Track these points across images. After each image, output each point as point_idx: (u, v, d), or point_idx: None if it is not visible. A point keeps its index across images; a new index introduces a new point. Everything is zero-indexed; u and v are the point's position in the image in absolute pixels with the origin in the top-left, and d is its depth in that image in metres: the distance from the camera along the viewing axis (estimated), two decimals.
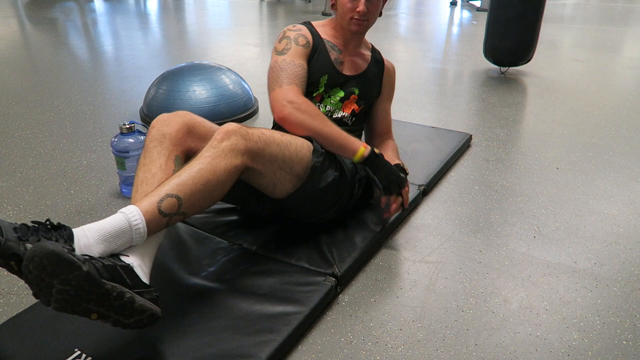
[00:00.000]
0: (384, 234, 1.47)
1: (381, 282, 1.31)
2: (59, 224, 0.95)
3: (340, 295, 1.26)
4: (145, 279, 0.98)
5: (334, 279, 1.23)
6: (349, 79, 1.52)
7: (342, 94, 1.53)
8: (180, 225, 1.45)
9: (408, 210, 1.61)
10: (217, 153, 1.07)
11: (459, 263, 1.39)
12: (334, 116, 1.52)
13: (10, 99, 2.85)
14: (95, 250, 0.93)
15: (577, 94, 3.02)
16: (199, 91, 2.41)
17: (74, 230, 0.95)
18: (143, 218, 0.97)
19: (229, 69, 2.65)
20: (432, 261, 1.40)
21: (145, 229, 0.97)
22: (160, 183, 1.06)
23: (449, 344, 1.11)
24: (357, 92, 1.54)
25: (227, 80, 2.54)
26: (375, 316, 1.19)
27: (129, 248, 0.99)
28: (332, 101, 1.52)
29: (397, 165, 1.46)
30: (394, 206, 1.40)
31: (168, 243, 1.36)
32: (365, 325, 1.16)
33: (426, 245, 1.48)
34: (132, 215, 0.97)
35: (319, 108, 1.51)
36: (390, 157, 1.50)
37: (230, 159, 1.08)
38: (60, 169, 1.96)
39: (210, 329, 1.06)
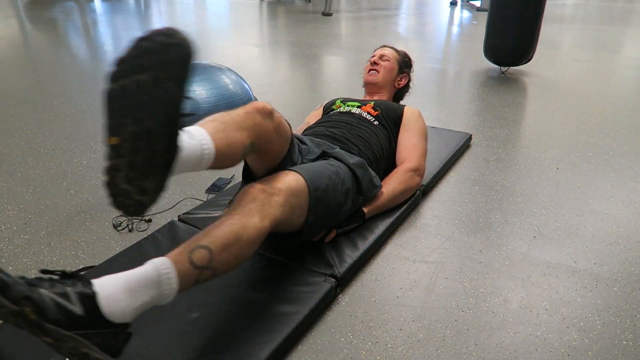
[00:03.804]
0: (384, 235, 1.46)
1: (381, 282, 1.31)
2: (69, 272, 0.83)
3: (340, 295, 1.26)
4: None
5: (334, 279, 1.23)
6: (365, 100, 1.83)
7: (358, 103, 1.79)
8: (180, 225, 1.45)
9: (408, 210, 1.61)
10: (247, 212, 1.03)
11: (459, 263, 1.39)
12: (353, 111, 1.74)
13: (10, 99, 2.85)
14: (121, 300, 0.81)
15: (577, 94, 3.02)
16: (199, 91, 2.41)
17: (93, 280, 0.83)
18: (173, 268, 0.88)
19: (229, 69, 2.65)
20: (432, 261, 1.40)
21: (176, 280, 0.88)
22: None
23: (449, 344, 1.11)
24: (372, 103, 1.78)
25: (227, 80, 2.54)
26: (375, 316, 1.19)
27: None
28: (349, 105, 1.79)
29: (358, 210, 1.46)
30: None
31: (168, 242, 1.36)
32: (365, 325, 1.16)
33: (426, 245, 1.48)
34: (161, 264, 0.88)
35: (340, 108, 1.79)
36: (384, 187, 1.54)
37: (259, 221, 1.04)
38: (60, 169, 1.96)
39: (210, 329, 1.06)
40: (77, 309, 0.77)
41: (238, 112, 1.10)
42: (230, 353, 1.00)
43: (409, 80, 2.01)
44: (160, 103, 0.79)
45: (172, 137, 0.83)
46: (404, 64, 1.99)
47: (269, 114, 1.14)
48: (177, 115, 0.81)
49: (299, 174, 1.20)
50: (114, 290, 0.81)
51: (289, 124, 1.27)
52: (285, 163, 1.27)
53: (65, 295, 0.77)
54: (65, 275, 0.82)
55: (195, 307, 1.13)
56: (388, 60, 1.94)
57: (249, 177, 1.31)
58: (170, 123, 0.81)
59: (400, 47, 2.11)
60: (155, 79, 0.77)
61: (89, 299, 0.78)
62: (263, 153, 1.20)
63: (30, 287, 0.75)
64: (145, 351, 1.00)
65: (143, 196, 0.82)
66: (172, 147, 0.83)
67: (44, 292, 0.76)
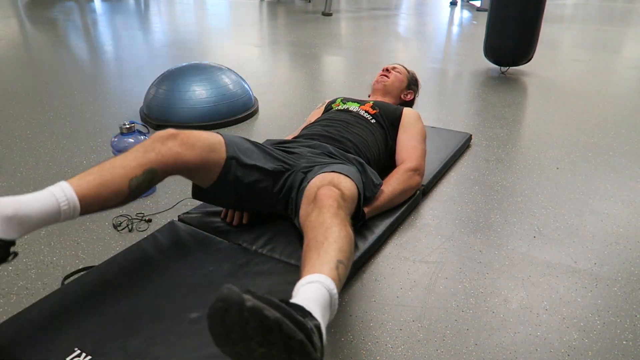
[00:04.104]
0: (384, 235, 1.46)
1: (381, 282, 1.31)
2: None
3: (340, 295, 1.25)
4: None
5: None
6: (365, 100, 1.85)
7: (358, 103, 1.82)
8: (180, 225, 1.45)
9: (408, 210, 1.61)
10: (344, 217, 1.08)
11: (459, 263, 1.39)
12: (350, 109, 1.76)
13: (10, 99, 2.85)
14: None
15: (577, 94, 3.02)
16: (199, 91, 2.41)
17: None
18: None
19: (229, 69, 2.65)
20: (432, 261, 1.40)
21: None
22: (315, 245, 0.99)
23: (449, 344, 1.11)
24: (372, 102, 1.81)
25: (227, 80, 2.54)
26: (375, 316, 1.19)
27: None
28: (349, 103, 1.83)
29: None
30: None
31: (168, 242, 1.36)
32: (365, 325, 1.16)
33: (426, 245, 1.48)
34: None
35: (339, 107, 1.83)
36: (383, 186, 1.54)
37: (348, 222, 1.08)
38: (60, 169, 1.96)
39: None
40: None
41: (128, 152, 1.14)
42: None
43: (414, 98, 2.08)
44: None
45: None
46: (413, 81, 2.06)
47: (167, 136, 1.16)
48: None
49: (354, 182, 1.28)
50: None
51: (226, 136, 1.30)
52: (228, 167, 1.27)
53: None
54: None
55: (195, 307, 1.13)
56: (399, 73, 2.01)
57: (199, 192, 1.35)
58: None
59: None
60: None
61: None
62: (180, 169, 1.20)
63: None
64: (146, 351, 1.00)
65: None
66: None
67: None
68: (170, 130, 1.18)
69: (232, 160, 1.28)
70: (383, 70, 2.02)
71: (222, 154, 1.27)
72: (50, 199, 0.97)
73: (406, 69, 2.07)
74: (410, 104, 2.05)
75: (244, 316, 0.73)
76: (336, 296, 0.88)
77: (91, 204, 1.04)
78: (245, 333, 0.73)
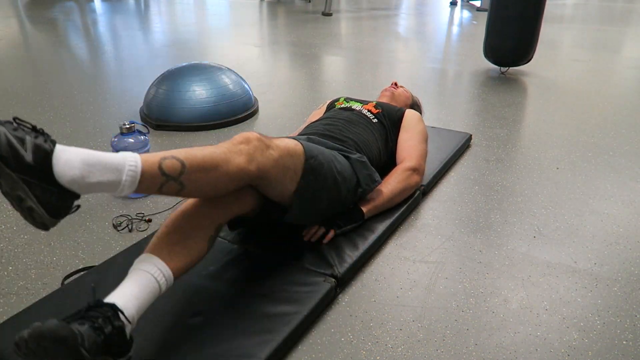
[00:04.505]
0: (384, 235, 1.46)
1: (381, 282, 1.31)
2: (42, 130, 0.86)
3: (340, 295, 1.26)
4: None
5: (334, 279, 1.23)
6: (369, 100, 1.87)
7: (361, 103, 1.84)
8: None
9: (408, 210, 1.61)
10: (235, 150, 1.04)
11: (459, 263, 1.39)
12: (353, 108, 1.77)
13: (10, 99, 2.85)
14: (76, 168, 0.84)
15: (577, 94, 3.02)
16: (199, 91, 2.41)
17: (59, 145, 0.85)
18: (140, 164, 0.90)
19: (229, 69, 2.65)
20: (432, 261, 1.40)
21: (138, 175, 0.90)
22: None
23: (449, 344, 1.11)
24: (375, 102, 1.82)
25: (227, 80, 2.54)
26: (375, 316, 1.19)
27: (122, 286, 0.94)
28: (352, 102, 1.84)
29: (357, 210, 1.46)
30: (310, 232, 1.40)
31: None
32: (365, 325, 1.16)
33: (426, 245, 1.48)
34: (130, 157, 0.90)
35: (342, 105, 1.84)
36: (382, 185, 1.54)
37: (246, 162, 1.05)
38: None
39: (210, 329, 1.06)
40: (27, 155, 0.80)
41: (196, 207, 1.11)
42: (230, 353, 1.00)
43: None
44: None
45: None
46: (416, 104, 2.09)
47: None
48: None
49: (298, 140, 1.22)
50: (72, 157, 0.84)
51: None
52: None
53: (21, 140, 0.80)
54: (35, 129, 0.84)
55: (195, 307, 1.13)
56: (406, 91, 2.07)
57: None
58: None
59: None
60: None
61: (43, 153, 0.82)
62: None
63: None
64: (145, 351, 1.00)
65: None
66: None
67: (2, 129, 0.79)
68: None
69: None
70: (392, 84, 2.07)
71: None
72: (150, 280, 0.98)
73: (411, 93, 2.13)
74: None
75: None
76: (132, 167, 0.89)
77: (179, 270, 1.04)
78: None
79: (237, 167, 1.03)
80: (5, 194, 0.83)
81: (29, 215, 0.83)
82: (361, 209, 1.46)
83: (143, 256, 1.01)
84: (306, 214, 1.32)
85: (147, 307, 0.95)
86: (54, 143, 0.84)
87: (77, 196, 0.87)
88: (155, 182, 0.93)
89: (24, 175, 0.80)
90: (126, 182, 0.89)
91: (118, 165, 0.88)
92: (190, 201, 1.11)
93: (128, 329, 0.90)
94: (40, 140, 0.82)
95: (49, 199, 0.83)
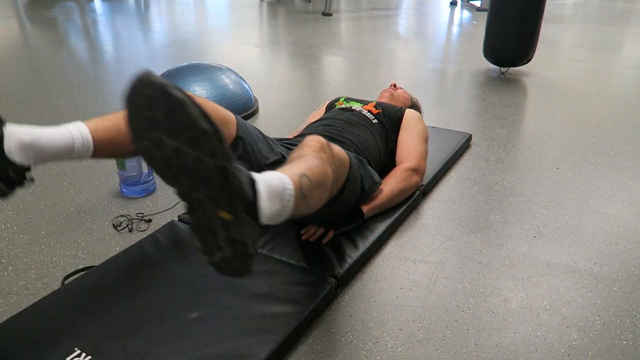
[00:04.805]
0: (384, 235, 1.46)
1: (381, 282, 1.31)
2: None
3: (340, 295, 1.26)
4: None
5: (334, 279, 1.23)
6: (369, 100, 1.86)
7: (361, 103, 1.83)
8: (180, 225, 1.45)
9: (408, 210, 1.61)
10: (322, 157, 1.05)
11: (459, 263, 1.39)
12: (353, 108, 1.76)
13: (10, 99, 2.85)
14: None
15: (577, 94, 3.02)
16: (199, 91, 2.41)
17: (255, 176, 0.85)
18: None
19: (229, 69, 2.65)
20: (432, 261, 1.40)
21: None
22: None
23: (449, 344, 1.11)
24: (375, 102, 1.82)
25: (227, 80, 2.54)
26: (375, 316, 1.19)
27: None
28: (352, 102, 1.84)
29: (357, 210, 1.46)
30: (310, 232, 1.39)
31: (168, 242, 1.36)
32: (365, 325, 1.16)
33: (426, 245, 1.48)
34: (278, 182, 0.89)
35: (342, 105, 1.83)
36: (382, 185, 1.54)
37: (330, 172, 1.07)
38: (60, 169, 1.96)
39: (210, 329, 1.06)
40: None
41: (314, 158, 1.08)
42: (230, 353, 1.00)
43: None
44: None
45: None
46: (415, 106, 2.08)
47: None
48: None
49: (345, 148, 1.28)
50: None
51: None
52: (235, 146, 1.26)
53: None
54: None
55: (195, 307, 1.13)
56: (405, 93, 2.07)
57: None
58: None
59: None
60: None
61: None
62: None
63: None
64: (146, 351, 1.00)
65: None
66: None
67: None
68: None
69: (240, 140, 1.27)
70: (391, 86, 2.08)
71: (233, 131, 1.26)
72: (66, 135, 1.01)
73: (410, 95, 2.13)
74: None
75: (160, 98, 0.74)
76: (290, 192, 0.88)
77: (103, 149, 1.07)
78: (156, 120, 0.75)
79: (330, 178, 1.06)
80: None
81: None
82: (361, 209, 1.46)
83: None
84: (325, 215, 1.35)
85: (53, 155, 1.00)
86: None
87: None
88: (299, 206, 0.93)
89: None
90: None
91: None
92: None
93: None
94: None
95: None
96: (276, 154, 1.37)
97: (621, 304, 1.23)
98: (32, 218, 1.61)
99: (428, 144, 1.79)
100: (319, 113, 1.94)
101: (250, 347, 1.01)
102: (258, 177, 0.85)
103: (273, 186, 0.86)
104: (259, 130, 1.39)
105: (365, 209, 1.46)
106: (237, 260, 0.81)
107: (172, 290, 1.18)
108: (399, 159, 1.69)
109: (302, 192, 0.92)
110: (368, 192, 1.44)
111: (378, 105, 1.80)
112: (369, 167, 1.48)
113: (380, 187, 1.51)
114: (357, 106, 1.79)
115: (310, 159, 1.02)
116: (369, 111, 1.76)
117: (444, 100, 2.91)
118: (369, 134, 1.65)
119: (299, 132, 1.73)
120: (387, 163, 1.73)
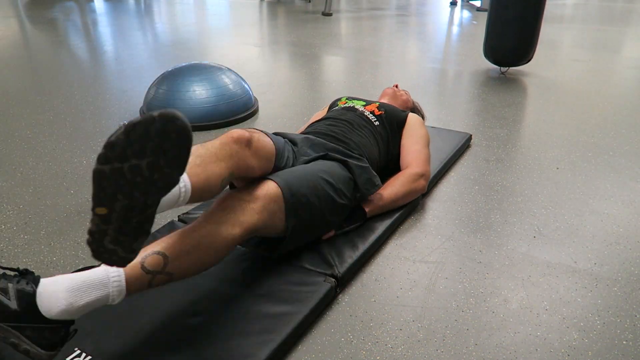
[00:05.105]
0: (384, 235, 1.46)
1: (381, 282, 1.31)
2: (25, 270, 0.90)
3: (340, 295, 1.26)
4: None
5: (334, 279, 1.23)
6: (372, 100, 1.82)
7: (363, 102, 1.81)
8: (180, 225, 1.45)
9: (408, 210, 1.61)
10: (216, 219, 1.06)
11: (459, 263, 1.39)
12: (356, 107, 1.75)
13: (10, 99, 2.85)
14: (62, 299, 0.86)
15: (577, 94, 3.02)
16: (199, 91, 2.41)
17: (42, 279, 0.89)
18: (122, 273, 0.92)
19: (229, 69, 2.65)
20: (432, 261, 1.40)
21: (124, 283, 0.92)
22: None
23: (449, 344, 1.11)
24: (378, 103, 1.79)
25: (227, 80, 2.54)
26: (375, 316, 1.19)
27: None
28: (354, 101, 1.81)
29: (359, 210, 1.46)
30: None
31: None
32: (365, 325, 1.16)
33: (426, 245, 1.48)
34: (112, 269, 0.92)
35: (345, 104, 1.82)
36: (384, 189, 1.54)
37: (229, 229, 1.07)
38: (60, 169, 1.96)
39: (210, 329, 1.06)
40: (12, 304, 0.83)
41: (214, 144, 1.12)
42: (230, 353, 1.00)
43: None
44: (157, 185, 0.78)
45: (159, 200, 0.83)
46: (416, 109, 2.06)
47: (246, 142, 1.16)
48: (172, 187, 0.81)
49: (274, 181, 1.21)
50: (56, 289, 0.87)
51: (279, 134, 1.32)
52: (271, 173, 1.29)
53: (4, 291, 0.84)
54: (20, 273, 0.88)
55: (195, 307, 1.13)
56: (406, 94, 2.05)
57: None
58: (163, 193, 0.81)
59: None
60: (153, 164, 0.76)
61: (27, 297, 0.85)
62: (245, 178, 1.22)
63: None
64: (145, 351, 1.00)
65: (130, 254, 0.84)
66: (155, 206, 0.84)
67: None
68: (244, 135, 1.16)
69: (274, 170, 1.32)
70: (394, 86, 2.06)
71: (272, 164, 1.30)
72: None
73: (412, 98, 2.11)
74: None
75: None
76: (116, 278, 0.91)
77: (195, 198, 1.04)
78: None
79: (220, 238, 1.05)
80: (2, 342, 0.86)
81: (27, 355, 0.86)
82: (364, 209, 1.46)
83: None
84: (302, 240, 1.33)
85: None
86: (37, 281, 0.87)
87: (71, 322, 0.90)
88: (143, 281, 0.95)
89: (13, 323, 0.84)
90: (114, 294, 0.91)
91: (102, 279, 0.90)
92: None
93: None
94: (22, 284, 0.85)
95: (42, 336, 0.86)
96: (316, 152, 1.44)
97: (621, 304, 1.23)
98: (32, 218, 1.61)
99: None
100: (321, 113, 1.95)
101: (250, 347, 1.01)
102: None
103: (85, 280, 0.89)
104: (289, 139, 1.44)
105: (367, 209, 1.46)
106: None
107: (172, 290, 1.18)
108: (404, 163, 1.69)
109: (145, 268, 0.95)
110: (365, 193, 1.45)
111: (381, 106, 1.78)
112: (371, 169, 1.50)
113: (385, 189, 1.52)
114: (359, 106, 1.77)
115: (186, 230, 1.03)
116: (371, 112, 1.74)
117: (444, 100, 2.91)
118: (370, 136, 1.64)
119: (301, 132, 1.72)
120: (387, 165, 1.73)
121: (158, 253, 0.98)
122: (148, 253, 0.97)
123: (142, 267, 0.95)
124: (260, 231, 1.17)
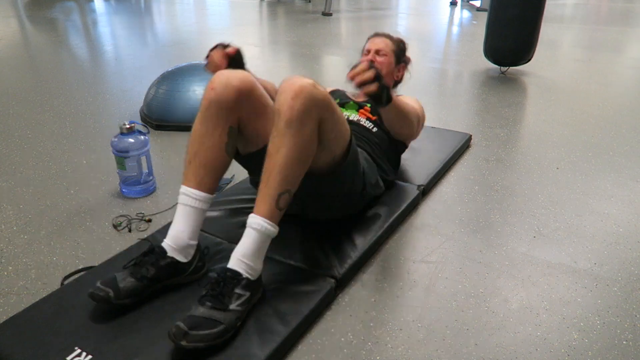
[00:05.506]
0: (384, 235, 1.46)
1: (381, 282, 1.31)
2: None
3: (340, 295, 1.25)
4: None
5: (333, 279, 1.23)
6: (361, 102, 1.73)
7: (356, 106, 1.72)
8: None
9: (408, 210, 1.61)
10: (295, 131, 1.12)
11: (459, 263, 1.39)
12: (350, 118, 1.65)
13: (10, 99, 2.85)
14: (257, 266, 1.12)
15: (577, 94, 3.02)
16: (199, 91, 2.41)
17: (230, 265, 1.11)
18: (271, 223, 1.11)
19: None
20: (432, 261, 1.40)
21: (276, 228, 1.12)
22: (266, 177, 1.11)
23: (449, 344, 1.11)
24: (369, 105, 1.70)
25: None
26: (375, 316, 1.19)
27: None
28: (347, 110, 1.71)
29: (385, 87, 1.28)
30: (356, 71, 1.30)
31: None
32: (365, 325, 1.16)
33: (426, 245, 1.48)
34: (265, 227, 1.10)
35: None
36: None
37: (309, 125, 1.15)
38: (60, 169, 1.96)
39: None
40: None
41: (197, 129, 1.32)
42: (230, 353, 1.00)
43: (406, 68, 1.84)
44: None
45: None
46: (400, 52, 1.77)
47: (245, 93, 1.34)
48: None
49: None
50: (248, 266, 1.11)
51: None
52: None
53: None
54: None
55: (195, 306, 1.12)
56: (385, 55, 1.70)
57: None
58: None
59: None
60: None
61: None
62: (260, 114, 1.35)
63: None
64: (146, 351, 1.00)
65: None
66: None
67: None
68: (211, 93, 1.37)
69: None
70: (368, 60, 1.65)
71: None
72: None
73: (390, 38, 1.75)
74: (402, 79, 1.85)
75: None
76: (271, 230, 1.11)
77: (212, 188, 1.23)
78: None
79: (310, 139, 1.15)
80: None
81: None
82: (389, 92, 1.31)
83: (181, 189, 1.23)
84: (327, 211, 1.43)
85: (198, 225, 1.23)
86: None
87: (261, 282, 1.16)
88: (280, 214, 1.13)
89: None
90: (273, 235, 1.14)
91: (266, 239, 1.13)
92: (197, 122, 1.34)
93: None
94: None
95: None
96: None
97: (621, 304, 1.23)
98: (32, 218, 1.61)
99: (427, 142, 1.78)
100: None
101: (250, 347, 1.01)
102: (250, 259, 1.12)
103: (259, 246, 1.12)
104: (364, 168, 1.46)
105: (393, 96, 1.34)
106: None
107: (172, 290, 1.18)
108: None
109: (281, 209, 1.12)
110: (371, 193, 1.45)
111: (373, 111, 1.68)
112: (376, 172, 1.52)
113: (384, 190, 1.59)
114: (354, 116, 1.66)
115: (283, 158, 1.10)
116: (367, 119, 1.66)
117: (444, 100, 2.91)
118: (372, 143, 1.60)
119: None
120: (388, 169, 1.66)
121: (284, 192, 1.11)
122: (276, 196, 1.10)
123: (279, 209, 1.11)
124: (324, 129, 1.21)
